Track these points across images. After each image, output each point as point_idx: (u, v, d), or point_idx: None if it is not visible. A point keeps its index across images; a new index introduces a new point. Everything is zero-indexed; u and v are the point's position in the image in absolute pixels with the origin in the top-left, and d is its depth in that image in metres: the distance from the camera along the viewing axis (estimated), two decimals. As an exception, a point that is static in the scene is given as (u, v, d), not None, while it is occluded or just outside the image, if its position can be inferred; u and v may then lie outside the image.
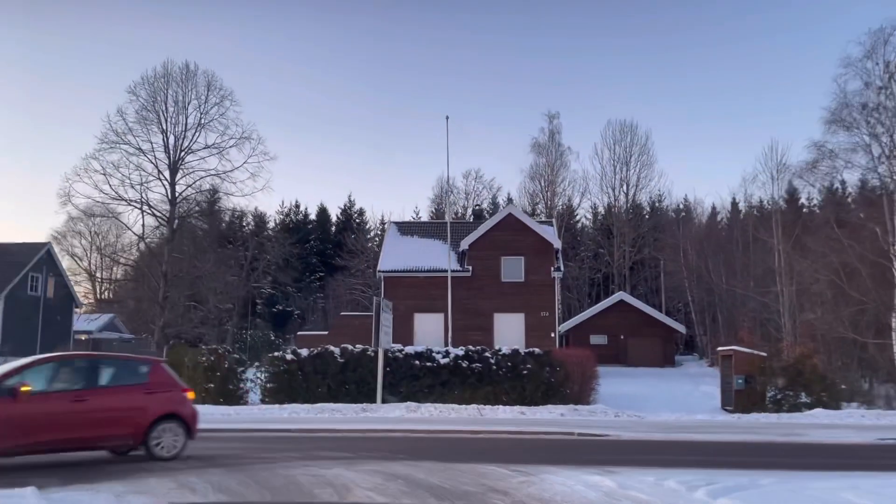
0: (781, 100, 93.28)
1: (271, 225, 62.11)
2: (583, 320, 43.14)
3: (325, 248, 60.32)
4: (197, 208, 28.73)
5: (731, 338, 36.20)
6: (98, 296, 53.78)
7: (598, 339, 40.94)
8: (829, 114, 25.10)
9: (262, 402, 20.80)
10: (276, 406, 19.62)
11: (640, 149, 56.23)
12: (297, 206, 65.41)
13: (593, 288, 56.21)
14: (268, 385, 20.95)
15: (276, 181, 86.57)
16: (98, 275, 49.25)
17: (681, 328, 42.95)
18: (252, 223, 58.37)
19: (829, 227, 25.41)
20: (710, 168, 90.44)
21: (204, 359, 21.90)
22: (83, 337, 51.28)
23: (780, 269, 29.21)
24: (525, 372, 20.31)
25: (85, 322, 55.74)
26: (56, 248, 31.08)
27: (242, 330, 46.30)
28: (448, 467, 8.95)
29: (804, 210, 40.64)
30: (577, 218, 60.63)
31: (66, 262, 30.32)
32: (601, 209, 60.02)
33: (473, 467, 8.95)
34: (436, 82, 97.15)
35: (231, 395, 21.10)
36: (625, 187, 56.60)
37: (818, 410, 18.43)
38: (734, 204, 51.61)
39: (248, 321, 47.89)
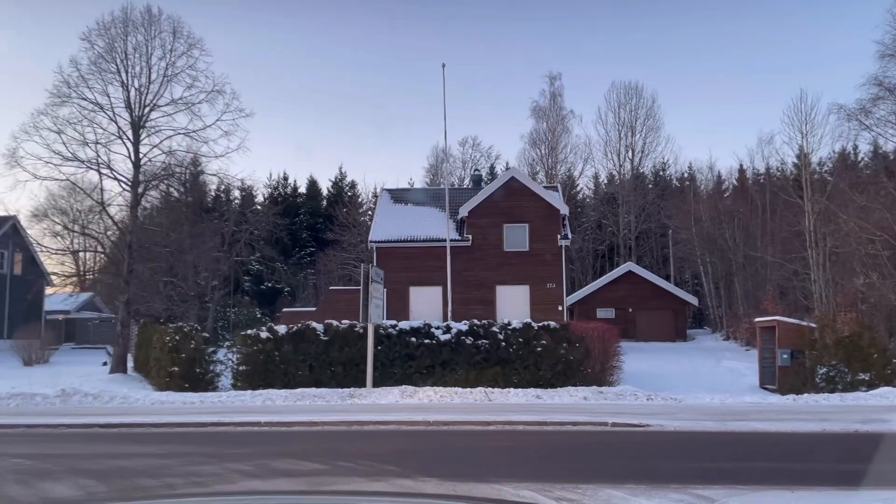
0: (799, 57, 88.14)
1: (259, 199, 59.13)
2: (588, 293, 40.56)
3: (315, 223, 57.67)
4: (164, 172, 25.48)
5: (750, 308, 33.56)
6: (81, 274, 50.77)
7: (604, 313, 38.52)
8: (884, 47, 22.22)
9: (234, 387, 17.96)
10: (249, 392, 16.78)
11: (647, 112, 53.24)
12: (286, 179, 62.47)
13: (597, 260, 53.62)
14: (240, 368, 18.09)
15: (264, 154, 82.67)
16: (82, 254, 46.36)
17: (693, 300, 40.38)
18: (238, 197, 55.42)
19: (877, 182, 22.56)
20: (720, 132, 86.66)
21: (168, 338, 19.03)
22: (60, 317, 48.46)
23: (810, 231, 26.33)
24: (539, 349, 17.49)
25: (62, 302, 52.91)
26: (35, 228, 28.01)
27: (227, 308, 43.49)
28: (464, 493, 6.10)
29: (849, 162, 37.41)
30: (579, 188, 57.79)
31: (48, 244, 27.29)
32: (604, 178, 57.17)
33: (500, 490, 6.11)
34: (429, 43, 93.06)
35: (198, 380, 18.26)
36: (630, 153, 53.64)
37: (885, 389, 15.68)
38: (741, 170, 48.84)
39: (233, 298, 45.04)
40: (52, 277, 39.62)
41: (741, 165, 49.37)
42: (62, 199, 38.32)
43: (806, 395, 16.04)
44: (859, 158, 43.02)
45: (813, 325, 17.85)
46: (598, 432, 11.73)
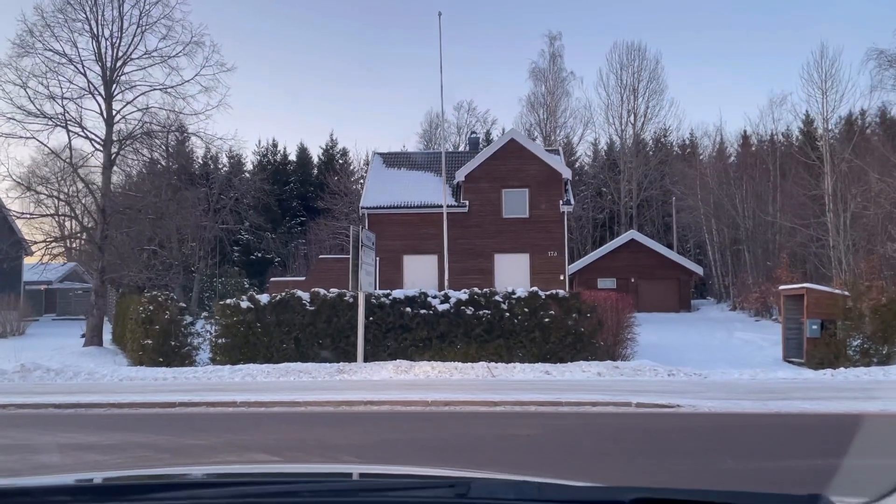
0: (816, 10, 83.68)
1: (249, 167, 57.21)
2: (589, 263, 39.12)
3: (306, 191, 55.91)
4: (141, 131, 23.63)
5: (760, 277, 32.13)
6: (54, 241, 48.94)
7: (606, 283, 37.09)
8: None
9: (213, 361, 16.40)
10: (228, 368, 15.22)
11: (650, 74, 51.16)
12: (275, 146, 60.42)
13: (597, 229, 52.11)
14: (218, 341, 16.51)
15: (252, 121, 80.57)
16: (68, 224, 44.39)
17: (698, 269, 38.96)
18: (227, 164, 53.51)
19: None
20: (727, 94, 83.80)
21: (142, 309, 17.43)
22: (41, 288, 46.73)
23: (829, 193, 24.70)
24: (547, 320, 15.94)
25: (44, 272, 51.13)
26: (21, 201, 26.26)
27: (214, 278, 41.90)
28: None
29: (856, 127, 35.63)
30: (578, 154, 55.99)
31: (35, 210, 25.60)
32: (604, 145, 55.37)
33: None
34: (423, 1, 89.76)
35: (173, 354, 16.69)
36: (632, 118, 51.67)
37: (930, 363, 14.26)
38: (745, 136, 47.08)
39: (220, 269, 43.42)
40: (33, 247, 37.91)
41: (749, 129, 47.72)
42: (45, 167, 36.42)
43: (841, 369, 14.59)
44: (866, 125, 41.44)
45: (846, 293, 16.34)
46: (622, 414, 10.23)
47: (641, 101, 51.54)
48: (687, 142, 54.09)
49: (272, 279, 35.73)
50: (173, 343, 16.89)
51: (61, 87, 21.76)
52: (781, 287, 18.69)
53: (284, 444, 8.17)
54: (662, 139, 54.13)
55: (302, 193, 56.16)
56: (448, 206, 26.98)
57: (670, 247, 43.25)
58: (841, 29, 74.22)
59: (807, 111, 38.32)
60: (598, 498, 1.47)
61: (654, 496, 1.36)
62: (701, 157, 47.01)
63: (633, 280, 37.64)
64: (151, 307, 17.24)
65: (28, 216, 25.15)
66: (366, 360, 15.57)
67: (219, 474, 1.82)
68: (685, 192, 40.14)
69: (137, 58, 23.11)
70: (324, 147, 60.39)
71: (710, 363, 16.87)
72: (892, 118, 36.50)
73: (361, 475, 1.88)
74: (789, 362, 17.44)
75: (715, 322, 30.82)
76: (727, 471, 6.45)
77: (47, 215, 25.25)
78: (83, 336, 24.25)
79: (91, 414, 10.68)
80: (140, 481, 1.76)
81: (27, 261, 42.25)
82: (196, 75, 23.26)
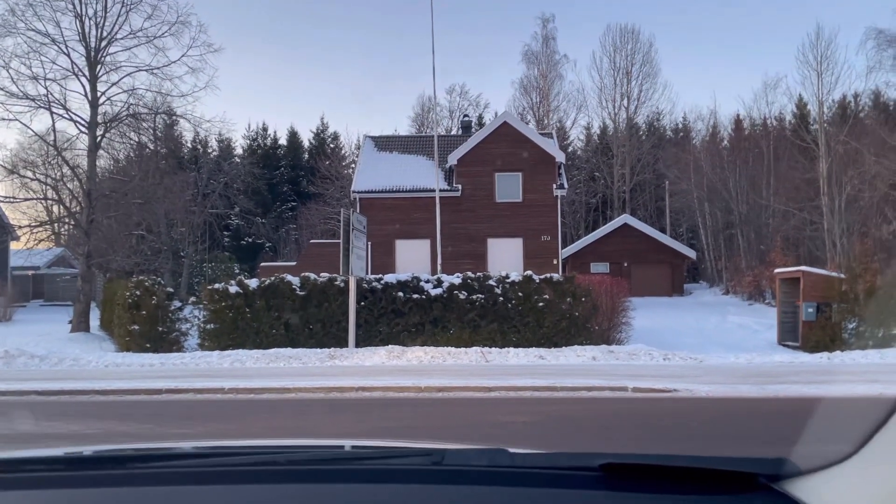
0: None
1: (238, 152, 56.62)
2: (582, 247, 38.96)
3: (296, 176, 55.47)
4: (126, 112, 23.16)
5: (754, 260, 32.05)
6: (54, 228, 48.40)
7: (598, 268, 36.96)
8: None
9: (201, 347, 16.12)
10: (216, 353, 14.94)
11: (643, 57, 50.83)
12: (265, 130, 59.78)
13: (589, 214, 51.94)
14: (207, 326, 16.21)
15: (241, 103, 79.62)
16: (55, 208, 43.77)
17: (691, 253, 38.92)
18: (216, 149, 52.91)
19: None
20: (720, 78, 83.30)
21: (128, 294, 17.09)
22: (29, 273, 46.16)
23: (824, 176, 24.50)
24: (541, 304, 15.72)
25: (31, 257, 50.49)
26: (5, 185, 25.83)
27: (203, 263, 41.48)
28: None
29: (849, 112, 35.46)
30: (571, 139, 55.68)
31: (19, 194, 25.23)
32: (597, 129, 55.06)
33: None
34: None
35: (160, 340, 16.39)
36: (625, 101, 51.41)
37: (927, 346, 14.13)
38: (737, 120, 46.84)
39: (209, 254, 43.00)
40: (18, 232, 37.35)
41: (743, 112, 47.49)
42: (30, 150, 35.81)
43: (838, 352, 14.46)
44: (860, 107, 41.25)
45: (841, 275, 16.20)
46: (618, 399, 10.04)
47: (635, 84, 51.32)
48: (680, 125, 53.92)
49: (262, 264, 35.42)
50: (161, 329, 16.59)
51: (44, 68, 21.30)
52: (777, 270, 18.55)
53: (274, 432, 7.94)
54: (656, 123, 53.94)
55: (293, 178, 55.71)
56: (441, 191, 26.65)
57: (663, 231, 43.15)
58: (837, 10, 73.73)
59: (801, 94, 38.21)
60: (567, 464, 1.51)
61: (622, 461, 1.41)
62: (694, 141, 46.83)
63: (625, 264, 37.53)
64: (138, 292, 16.91)
65: (12, 200, 24.63)
66: (357, 345, 15.34)
67: (200, 447, 1.85)
68: (678, 175, 39.98)
69: (122, 38, 22.62)
70: (314, 131, 59.90)
71: (704, 347, 16.73)
72: (888, 99, 36.37)
73: (339, 447, 1.91)
74: (784, 346, 17.33)
75: (708, 306, 30.73)
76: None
77: (32, 199, 24.81)
78: (70, 322, 23.94)
79: (75, 401, 10.41)
80: (129, 454, 1.80)
81: (13, 246, 41.75)
82: (182, 56, 22.81)
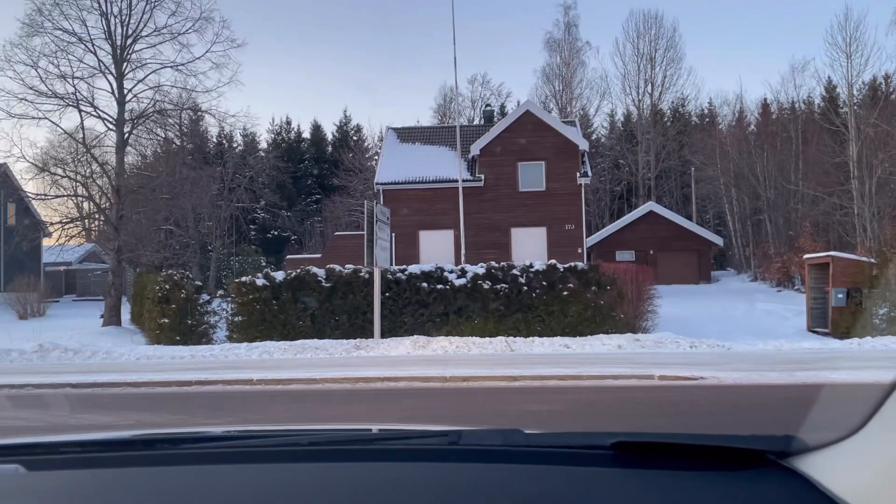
0: None
1: (263, 146, 57.09)
2: (607, 235, 38.71)
3: (320, 169, 55.82)
4: (153, 109, 23.48)
5: (782, 247, 31.61)
6: (72, 223, 49.25)
7: (624, 256, 36.69)
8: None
9: (229, 339, 16.35)
10: (244, 345, 15.16)
11: (667, 42, 50.22)
12: (289, 124, 60.18)
13: (614, 202, 51.56)
14: (235, 319, 16.44)
15: (264, 97, 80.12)
16: (85, 205, 44.45)
17: (718, 240, 38.46)
18: (241, 143, 53.43)
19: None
20: (746, 62, 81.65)
21: (158, 287, 17.39)
22: (61, 269, 47.04)
23: (854, 160, 24.04)
24: (566, 293, 15.69)
25: (63, 253, 51.47)
26: (36, 183, 26.39)
27: (230, 256, 41.99)
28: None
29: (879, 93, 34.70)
30: (594, 126, 55.27)
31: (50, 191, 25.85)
32: (621, 116, 54.57)
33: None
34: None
35: (190, 332, 16.67)
36: (650, 88, 50.85)
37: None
38: (765, 104, 46.08)
39: (237, 247, 43.50)
40: (50, 228, 38.11)
41: (770, 96, 46.72)
42: (59, 148, 36.46)
43: (868, 338, 14.23)
44: (891, 89, 40.35)
45: (872, 260, 15.92)
46: (644, 387, 10.01)
47: (659, 70, 50.73)
48: (706, 111, 53.25)
49: (288, 257, 35.72)
50: (190, 321, 16.85)
51: (72, 67, 21.70)
52: (806, 256, 18.29)
53: (301, 420, 8.03)
54: (680, 109, 53.29)
55: (317, 171, 56.06)
56: (463, 181, 26.63)
57: (689, 218, 42.72)
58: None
59: (830, 76, 37.47)
60: (580, 443, 1.56)
61: (634, 439, 1.45)
62: (720, 127, 46.19)
63: (651, 252, 37.21)
64: (167, 286, 17.20)
65: (43, 197, 25.13)
66: (383, 336, 15.44)
67: (228, 431, 1.98)
68: (704, 161, 39.47)
69: (147, 35, 22.94)
70: (337, 124, 60.14)
71: (732, 335, 16.56)
72: (891, 93, 35.59)
73: (360, 430, 2.01)
74: (814, 332, 17.10)
75: (736, 293, 30.41)
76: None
77: (63, 196, 25.31)
78: (102, 316, 24.40)
79: (108, 393, 10.63)
80: (161, 436, 1.89)
81: (46, 242, 42.59)
82: (206, 52, 23.08)
